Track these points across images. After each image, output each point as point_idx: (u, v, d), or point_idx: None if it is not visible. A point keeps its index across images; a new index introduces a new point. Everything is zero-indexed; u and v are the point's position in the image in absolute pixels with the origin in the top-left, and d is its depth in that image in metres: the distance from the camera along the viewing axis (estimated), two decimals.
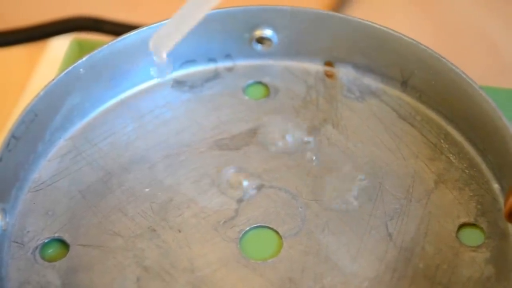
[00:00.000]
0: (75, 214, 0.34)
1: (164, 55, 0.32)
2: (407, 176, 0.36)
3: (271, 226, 0.34)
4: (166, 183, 0.36)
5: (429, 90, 0.38)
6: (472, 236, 0.34)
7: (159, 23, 0.37)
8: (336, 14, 0.39)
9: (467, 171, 0.36)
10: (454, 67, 0.36)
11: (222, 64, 0.40)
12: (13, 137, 0.34)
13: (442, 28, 0.56)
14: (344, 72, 0.40)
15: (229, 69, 0.40)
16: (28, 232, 0.34)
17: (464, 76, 0.36)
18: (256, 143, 0.37)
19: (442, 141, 0.37)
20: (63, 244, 0.34)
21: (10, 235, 0.34)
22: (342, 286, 0.32)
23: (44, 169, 0.36)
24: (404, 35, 0.37)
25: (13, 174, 0.34)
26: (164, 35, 0.31)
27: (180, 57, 0.39)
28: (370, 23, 0.38)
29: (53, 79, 0.36)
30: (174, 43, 0.31)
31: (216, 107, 0.38)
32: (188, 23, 0.31)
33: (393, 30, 0.38)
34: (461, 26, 0.56)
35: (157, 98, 0.39)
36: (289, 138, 0.37)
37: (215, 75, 0.40)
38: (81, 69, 0.36)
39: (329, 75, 0.40)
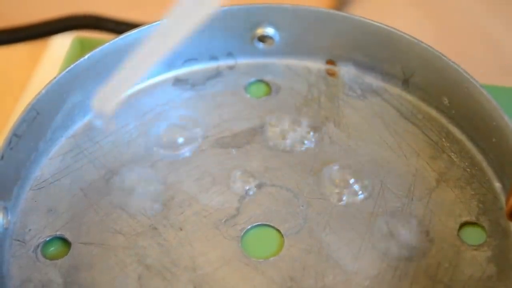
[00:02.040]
0: (77, 212, 0.34)
1: (108, 114, 0.30)
2: (409, 174, 0.36)
3: (272, 224, 0.34)
4: (167, 181, 0.36)
5: (431, 88, 0.38)
6: (474, 235, 0.34)
7: (160, 21, 0.37)
8: (338, 12, 0.39)
9: (468, 169, 0.36)
10: (455, 66, 0.36)
11: (223, 62, 0.40)
12: (15, 135, 0.34)
13: (443, 26, 0.56)
14: (346, 71, 0.39)
15: (231, 67, 0.40)
16: (29, 230, 0.34)
17: (466, 75, 0.36)
18: (257, 142, 0.37)
19: (443, 139, 0.37)
20: (65, 242, 0.34)
21: (11, 233, 0.34)
22: (344, 284, 0.32)
23: (45, 167, 0.36)
24: (406, 34, 0.37)
25: (14, 172, 0.34)
26: (107, 95, 0.30)
27: (182, 55, 0.39)
28: (371, 22, 0.38)
29: (54, 77, 0.36)
30: (116, 103, 0.30)
31: (218, 105, 0.38)
32: (130, 81, 0.29)
33: (395, 29, 0.38)
34: (463, 25, 0.56)
35: (159, 96, 0.39)
36: (290, 136, 0.37)
37: (216, 73, 0.40)
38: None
39: (330, 74, 0.40)
